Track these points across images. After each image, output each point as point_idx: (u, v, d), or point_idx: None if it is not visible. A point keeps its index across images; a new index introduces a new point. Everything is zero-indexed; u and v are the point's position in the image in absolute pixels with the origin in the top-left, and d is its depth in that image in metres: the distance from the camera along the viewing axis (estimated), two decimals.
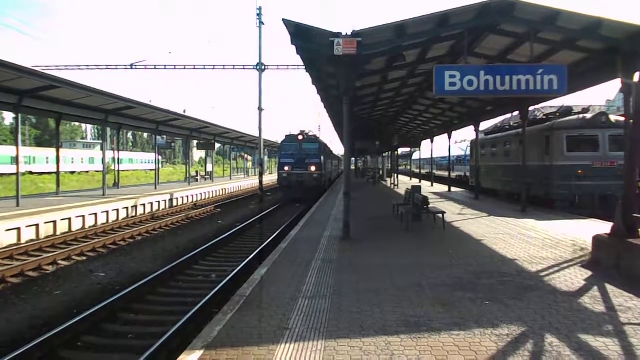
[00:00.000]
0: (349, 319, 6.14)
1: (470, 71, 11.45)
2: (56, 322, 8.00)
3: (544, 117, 21.88)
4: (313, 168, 31.02)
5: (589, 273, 8.55)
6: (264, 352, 5.12)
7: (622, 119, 14.49)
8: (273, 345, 5.32)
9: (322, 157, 32.24)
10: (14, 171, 19.35)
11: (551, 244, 11.47)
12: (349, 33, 10.95)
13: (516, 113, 21.61)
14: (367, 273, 8.67)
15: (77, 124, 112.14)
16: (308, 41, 11.39)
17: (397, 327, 5.81)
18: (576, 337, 5.45)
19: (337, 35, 10.94)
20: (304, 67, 14.11)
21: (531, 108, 21.22)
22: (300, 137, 31.99)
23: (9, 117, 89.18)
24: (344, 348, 5.21)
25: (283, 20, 10.67)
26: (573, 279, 8.17)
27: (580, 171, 17.94)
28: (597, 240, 9.35)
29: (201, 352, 5.16)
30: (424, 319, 6.10)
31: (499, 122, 30.28)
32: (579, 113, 19.87)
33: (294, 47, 11.52)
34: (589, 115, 19.04)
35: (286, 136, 32.79)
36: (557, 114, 20.87)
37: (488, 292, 7.31)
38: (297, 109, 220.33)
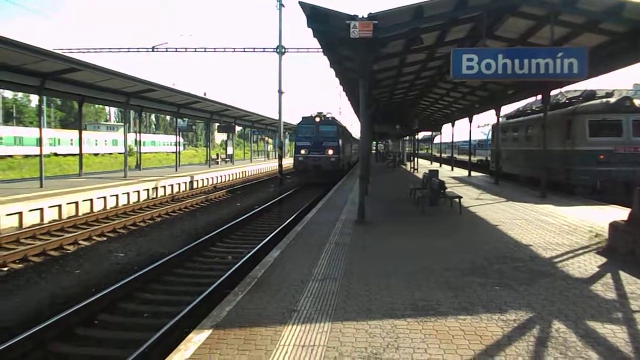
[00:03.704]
0: (357, 301, 6.20)
1: (488, 54, 11.30)
2: (75, 301, 8.23)
3: (567, 101, 21.49)
4: (330, 152, 30.18)
5: (604, 260, 8.46)
6: (271, 333, 5.21)
7: None
8: (280, 326, 5.41)
9: (340, 140, 31.59)
10: (38, 153, 19.74)
11: (568, 230, 11.35)
12: (365, 15, 10.87)
13: (539, 97, 21.32)
14: (378, 257, 8.71)
15: (101, 106, 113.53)
16: (324, 24, 11.34)
17: (404, 311, 5.85)
18: (584, 324, 5.43)
19: (353, 17, 10.85)
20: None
21: (554, 92, 20.87)
22: (317, 119, 31.12)
23: (34, 99, 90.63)
24: (350, 330, 5.27)
25: (299, 2, 10.63)
26: (587, 265, 8.09)
27: (602, 156, 17.60)
28: (614, 226, 9.23)
29: (210, 331, 5.27)
30: (432, 303, 6.12)
31: (521, 106, 29.81)
32: (602, 97, 19.46)
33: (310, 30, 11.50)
34: (612, 100, 18.62)
35: (303, 118, 32.06)
36: (580, 98, 20.46)
37: (499, 278, 7.29)
38: (318, 91, 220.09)
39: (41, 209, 15.45)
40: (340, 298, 6.34)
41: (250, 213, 17.84)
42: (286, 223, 15.43)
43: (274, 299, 6.31)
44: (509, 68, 11.15)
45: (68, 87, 20.93)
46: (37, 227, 14.35)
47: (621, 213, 12.17)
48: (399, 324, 5.45)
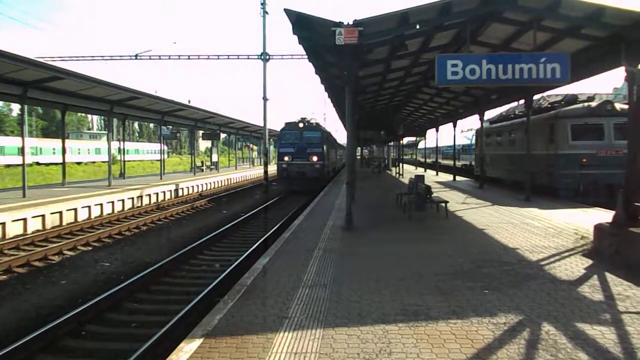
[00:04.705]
0: (348, 307, 6.20)
1: (472, 60, 11.39)
2: (61, 311, 8.12)
3: (549, 106, 21.76)
4: (315, 158, 29.41)
5: (590, 262, 8.56)
6: (263, 341, 5.19)
7: (627, 107, 14.39)
8: (272, 333, 5.38)
9: (325, 147, 30.95)
10: (20, 162, 19.47)
11: (553, 232, 11.47)
12: (351, 22, 10.92)
13: (521, 101, 21.55)
14: (367, 262, 8.73)
15: (83, 114, 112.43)
16: (309, 31, 11.36)
17: (395, 316, 5.87)
18: (573, 326, 5.48)
19: (339, 24, 10.89)
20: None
21: (536, 96, 21.12)
22: (301, 125, 30.26)
23: (16, 108, 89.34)
24: (342, 336, 5.27)
25: (285, 9, 10.66)
26: (573, 267, 8.18)
27: (585, 160, 17.86)
28: (599, 229, 9.35)
29: (201, 340, 5.24)
30: (422, 308, 6.14)
31: (504, 111, 30.10)
32: (584, 101, 19.76)
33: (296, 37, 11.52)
34: (594, 104, 18.93)
35: (286, 124, 31.05)
36: (562, 103, 20.74)
37: (487, 281, 7.34)
38: (303, 97, 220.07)
39: (24, 219, 15.22)
40: (331, 304, 6.34)
41: (237, 221, 17.76)
42: (273, 230, 15.39)
43: (264, 307, 6.29)
44: (493, 73, 11.25)
45: (51, 95, 20.67)
46: (21, 237, 14.12)
47: (605, 215, 12.32)
48: (391, 329, 5.46)
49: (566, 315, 5.81)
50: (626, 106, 16.08)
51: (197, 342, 5.18)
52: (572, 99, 20.53)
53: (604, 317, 5.80)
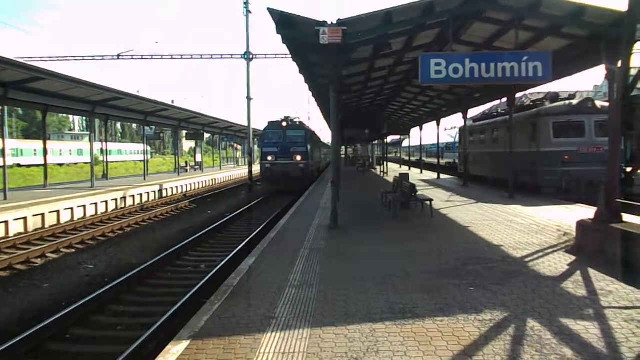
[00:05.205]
0: (335, 306, 6.21)
1: (455, 59, 11.48)
2: (45, 315, 8.03)
3: (531, 104, 22.00)
4: (299, 157, 28.99)
5: (573, 258, 8.67)
6: (250, 341, 5.17)
7: (608, 104, 14.60)
8: (259, 334, 5.37)
9: (309, 146, 30.48)
10: (1, 164, 19.16)
11: (537, 229, 11.60)
12: (335, 22, 10.93)
13: (504, 100, 21.75)
14: (353, 261, 8.76)
15: (65, 115, 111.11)
16: (293, 30, 11.34)
17: (382, 314, 5.89)
18: (557, 321, 5.55)
19: (322, 24, 10.89)
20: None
21: (519, 95, 21.35)
22: (284, 124, 29.80)
23: None
24: (329, 335, 5.27)
25: (268, 9, 10.62)
26: (557, 264, 8.28)
27: (567, 157, 18.07)
28: (581, 225, 9.47)
29: (188, 342, 5.21)
30: (409, 306, 6.17)
31: (487, 109, 30.40)
32: (565, 99, 19.99)
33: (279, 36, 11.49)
34: (575, 101, 19.17)
35: (269, 123, 30.46)
36: (544, 100, 20.98)
37: (473, 278, 7.40)
38: (288, 97, 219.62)
39: (6, 222, 15.00)
40: (318, 304, 6.34)
41: (222, 221, 17.69)
42: (259, 230, 15.35)
43: (251, 307, 6.27)
44: (476, 72, 11.35)
45: (31, 96, 20.38)
46: (3, 240, 13.92)
47: (587, 212, 12.50)
48: (378, 327, 5.48)
49: (550, 311, 5.88)
50: (607, 104, 16.33)
51: (184, 344, 5.15)
52: (554, 96, 20.77)
53: (587, 312, 5.87)
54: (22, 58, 23.28)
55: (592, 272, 7.65)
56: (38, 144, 54.71)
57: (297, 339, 5.22)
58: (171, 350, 5.02)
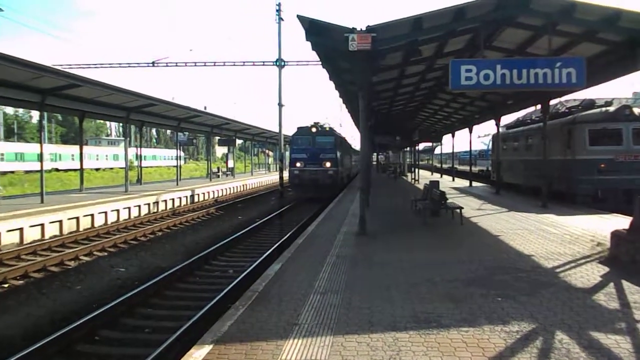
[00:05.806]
0: (358, 314, 6.17)
1: (486, 65, 11.36)
2: (76, 317, 8.21)
3: (566, 111, 21.53)
4: (328, 164, 28.25)
5: (606, 269, 8.42)
6: (272, 347, 5.18)
7: None
8: (281, 340, 5.37)
9: (339, 152, 29.77)
10: (39, 169, 19.76)
11: (570, 239, 11.32)
12: (364, 28, 10.93)
13: (538, 106, 21.34)
14: (380, 269, 8.69)
15: (102, 121, 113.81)
16: (323, 37, 11.38)
17: (406, 323, 5.82)
18: (587, 334, 5.39)
19: (352, 30, 10.90)
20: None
21: (553, 101, 20.90)
22: (314, 130, 29.03)
23: (35, 115, 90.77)
24: (352, 344, 5.24)
25: (297, 16, 10.71)
26: (589, 275, 8.06)
27: (603, 165, 17.60)
28: (616, 235, 9.20)
29: (210, 346, 5.25)
30: (434, 315, 6.09)
31: (520, 116, 29.84)
32: (601, 106, 19.49)
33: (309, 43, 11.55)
34: (611, 108, 18.66)
35: (298, 129, 30.01)
36: (580, 107, 20.51)
37: (501, 288, 7.26)
38: (319, 104, 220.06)
39: (42, 225, 15.44)
40: (342, 311, 6.31)
41: (252, 226, 17.81)
42: (287, 236, 15.40)
43: (275, 313, 6.28)
44: (508, 78, 11.20)
45: (69, 102, 20.97)
46: (38, 242, 14.34)
47: (623, 222, 12.12)
48: (401, 336, 5.42)
49: (580, 324, 5.72)
50: None
51: (207, 349, 5.19)
52: (590, 103, 20.30)
53: (619, 325, 5.69)
54: (59, 65, 24.05)
55: (626, 284, 7.41)
56: (75, 149, 56.00)
57: (320, 346, 5.20)
58: (194, 355, 5.06)
